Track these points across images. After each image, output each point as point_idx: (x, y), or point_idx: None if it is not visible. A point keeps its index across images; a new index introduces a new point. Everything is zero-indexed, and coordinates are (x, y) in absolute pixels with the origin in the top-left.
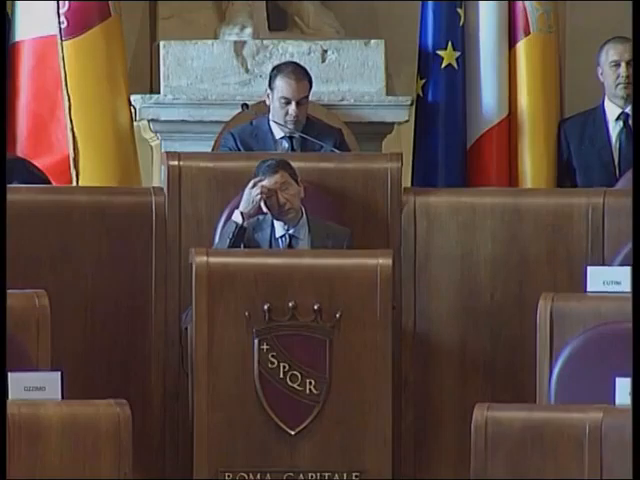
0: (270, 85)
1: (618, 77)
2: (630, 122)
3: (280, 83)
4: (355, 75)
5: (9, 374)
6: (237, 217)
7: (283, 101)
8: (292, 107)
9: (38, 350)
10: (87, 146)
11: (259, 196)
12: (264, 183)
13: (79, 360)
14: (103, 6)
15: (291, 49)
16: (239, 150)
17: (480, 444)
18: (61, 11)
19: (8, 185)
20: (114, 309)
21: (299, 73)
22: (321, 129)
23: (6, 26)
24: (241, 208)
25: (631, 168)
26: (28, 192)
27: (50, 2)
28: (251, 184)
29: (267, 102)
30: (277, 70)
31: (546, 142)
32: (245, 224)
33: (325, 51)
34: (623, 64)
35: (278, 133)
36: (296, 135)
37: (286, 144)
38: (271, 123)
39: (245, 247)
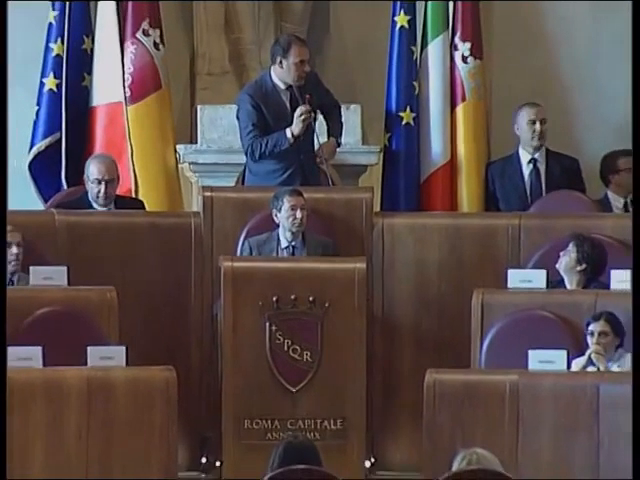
0: (285, 52)
1: (534, 132)
2: (538, 165)
3: (295, 48)
4: None
5: (88, 348)
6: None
7: (299, 63)
8: (307, 67)
9: (109, 330)
10: (144, 182)
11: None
12: (290, 202)
13: (139, 338)
14: (156, 80)
15: None
16: (258, 105)
17: (430, 399)
18: (126, 83)
19: (103, 210)
20: (164, 301)
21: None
22: (313, 82)
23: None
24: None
25: (539, 198)
26: (103, 215)
27: (117, 76)
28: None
29: (279, 67)
30: (287, 40)
31: (477, 179)
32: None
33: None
34: (537, 123)
35: (281, 86)
36: (294, 86)
37: (288, 94)
38: (274, 79)
39: (259, 254)
